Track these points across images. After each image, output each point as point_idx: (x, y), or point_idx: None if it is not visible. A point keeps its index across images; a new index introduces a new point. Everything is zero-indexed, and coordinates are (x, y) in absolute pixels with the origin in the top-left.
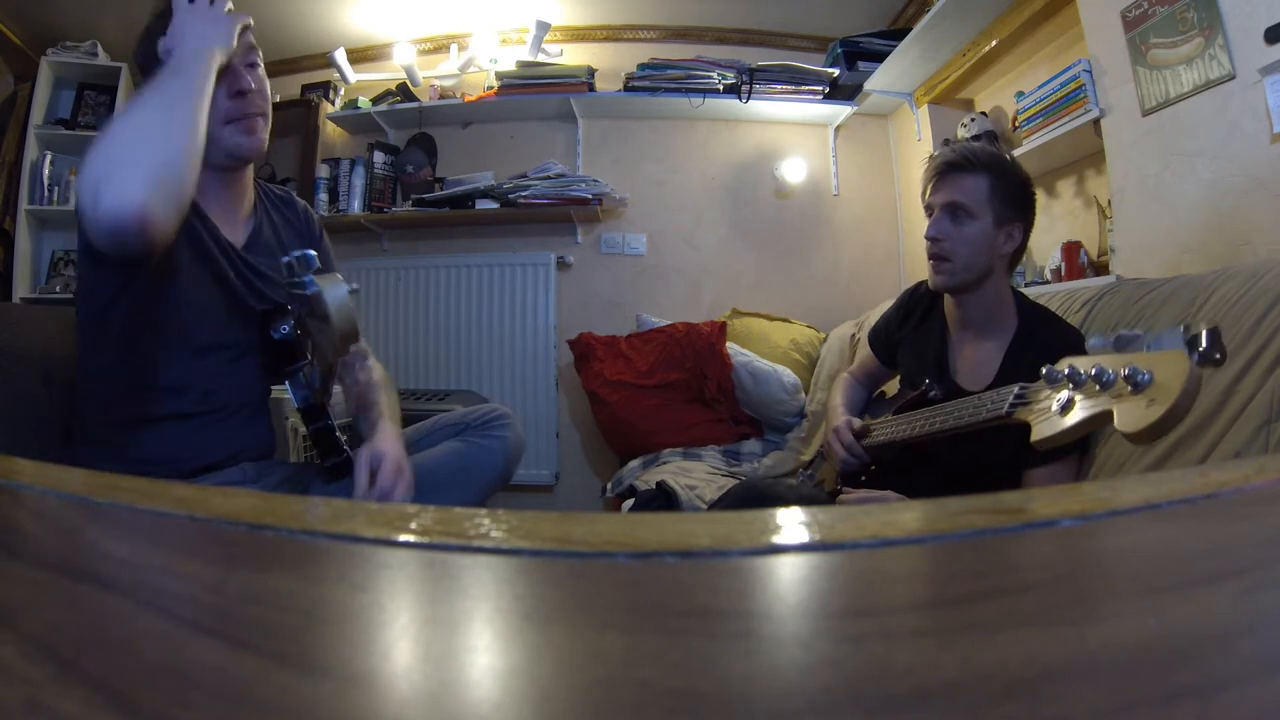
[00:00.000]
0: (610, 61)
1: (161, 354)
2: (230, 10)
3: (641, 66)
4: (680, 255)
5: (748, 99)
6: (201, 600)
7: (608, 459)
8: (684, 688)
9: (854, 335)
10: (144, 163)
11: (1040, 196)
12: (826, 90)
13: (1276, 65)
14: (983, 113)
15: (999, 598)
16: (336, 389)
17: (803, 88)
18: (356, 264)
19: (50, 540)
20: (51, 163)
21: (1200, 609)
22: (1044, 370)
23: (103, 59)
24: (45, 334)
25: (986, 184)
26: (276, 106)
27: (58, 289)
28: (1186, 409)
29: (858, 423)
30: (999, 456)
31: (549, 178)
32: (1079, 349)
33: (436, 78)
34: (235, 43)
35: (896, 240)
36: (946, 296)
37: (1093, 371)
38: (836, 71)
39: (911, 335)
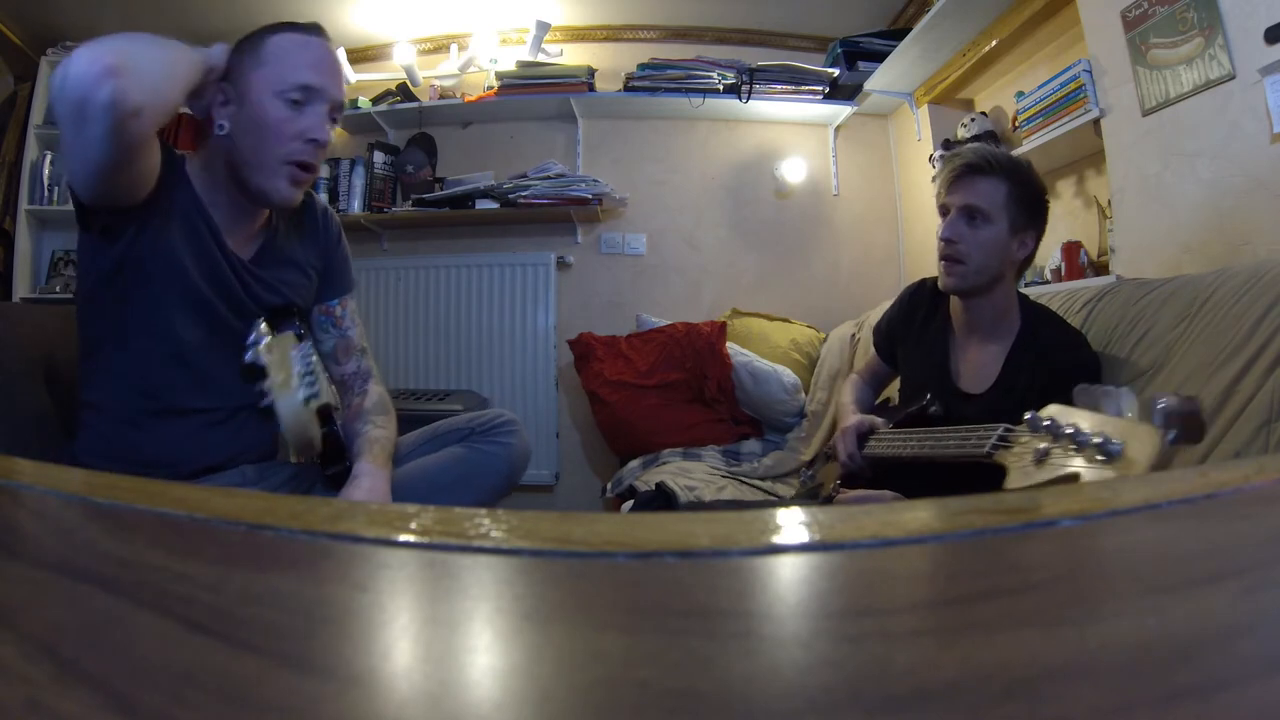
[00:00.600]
0: (610, 61)
1: (160, 356)
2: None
3: (641, 66)
4: (680, 255)
5: (748, 99)
6: (201, 600)
7: (608, 459)
8: (684, 688)
9: (854, 335)
10: (120, 47)
11: None
12: (826, 90)
13: (1276, 65)
14: (983, 113)
15: (999, 598)
16: None
17: (803, 88)
18: (357, 264)
19: (50, 540)
20: (51, 163)
21: (1200, 609)
22: (1027, 416)
23: None
24: (47, 333)
25: (1005, 189)
26: None
27: (58, 289)
28: None
29: (868, 422)
30: None
31: (549, 178)
32: (1079, 351)
33: (436, 78)
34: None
35: (896, 240)
36: (953, 298)
37: (1069, 430)
38: (836, 71)
39: (915, 335)
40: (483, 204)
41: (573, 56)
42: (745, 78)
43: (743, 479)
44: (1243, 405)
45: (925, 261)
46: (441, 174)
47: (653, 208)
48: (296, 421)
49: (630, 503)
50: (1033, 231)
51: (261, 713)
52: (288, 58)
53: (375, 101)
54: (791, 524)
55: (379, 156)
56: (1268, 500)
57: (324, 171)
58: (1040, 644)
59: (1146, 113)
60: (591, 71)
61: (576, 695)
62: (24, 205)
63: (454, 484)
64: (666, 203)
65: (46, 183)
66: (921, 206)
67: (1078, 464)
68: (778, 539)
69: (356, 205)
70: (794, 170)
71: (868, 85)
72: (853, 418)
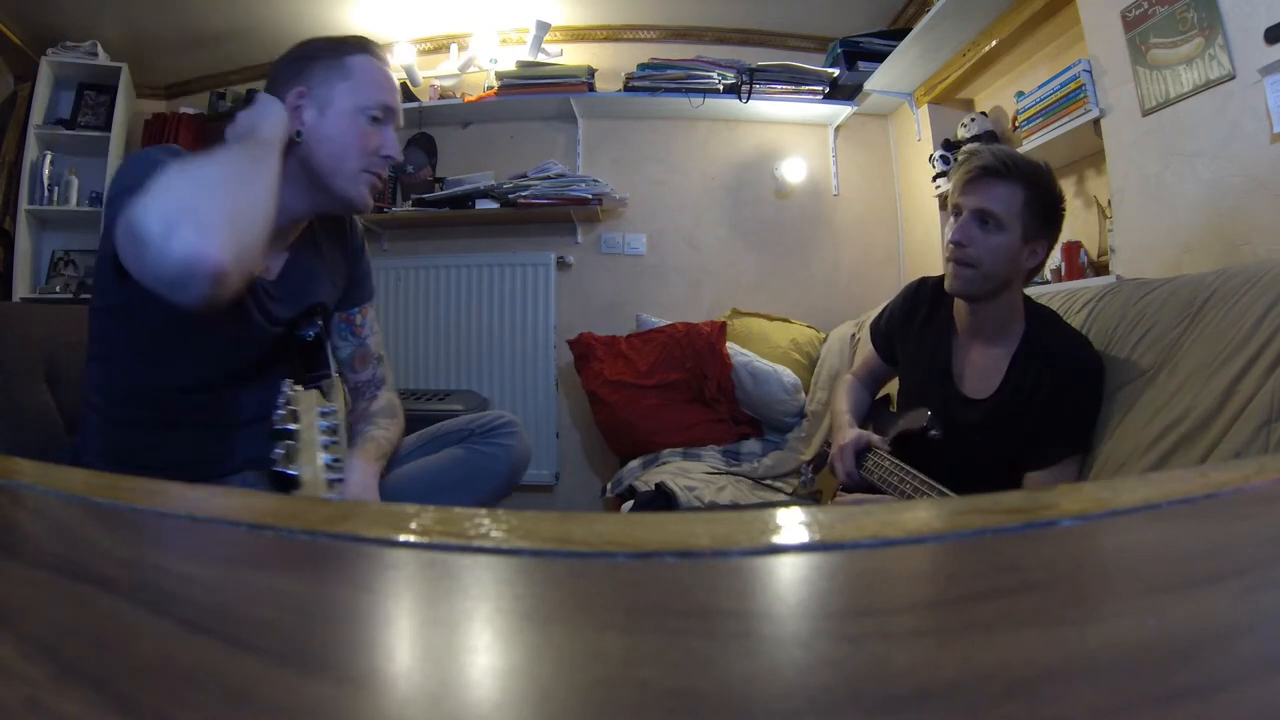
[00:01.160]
0: (610, 61)
1: (172, 374)
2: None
3: (641, 66)
4: (680, 255)
5: (748, 99)
6: (201, 600)
7: (608, 459)
8: (684, 688)
9: (854, 335)
10: (228, 211)
11: None
12: (826, 90)
13: (1276, 65)
14: (983, 113)
15: (999, 598)
16: None
17: (803, 88)
18: None
19: (50, 540)
20: (51, 163)
21: (1200, 609)
22: None
23: (103, 59)
24: (48, 332)
25: (1022, 196)
26: None
27: (57, 289)
28: None
29: (865, 438)
30: (999, 459)
31: (549, 178)
32: (1083, 354)
33: (436, 78)
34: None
35: (896, 240)
36: (957, 300)
37: None
38: (836, 71)
39: (915, 335)
40: (483, 204)
41: (573, 56)
42: (745, 78)
43: (743, 478)
44: (1243, 405)
45: (925, 261)
46: (441, 174)
47: (653, 208)
48: (313, 488)
49: (630, 503)
50: (1045, 241)
51: (261, 713)
52: (371, 77)
53: None
54: (791, 524)
55: None
56: (1268, 500)
57: None
58: (1040, 644)
59: (1146, 113)
60: (591, 71)
61: (576, 695)
62: (24, 205)
63: (454, 485)
64: (666, 203)
65: (46, 183)
66: (921, 206)
67: None
68: (778, 539)
69: None
70: (794, 170)
71: (868, 85)
72: (850, 432)
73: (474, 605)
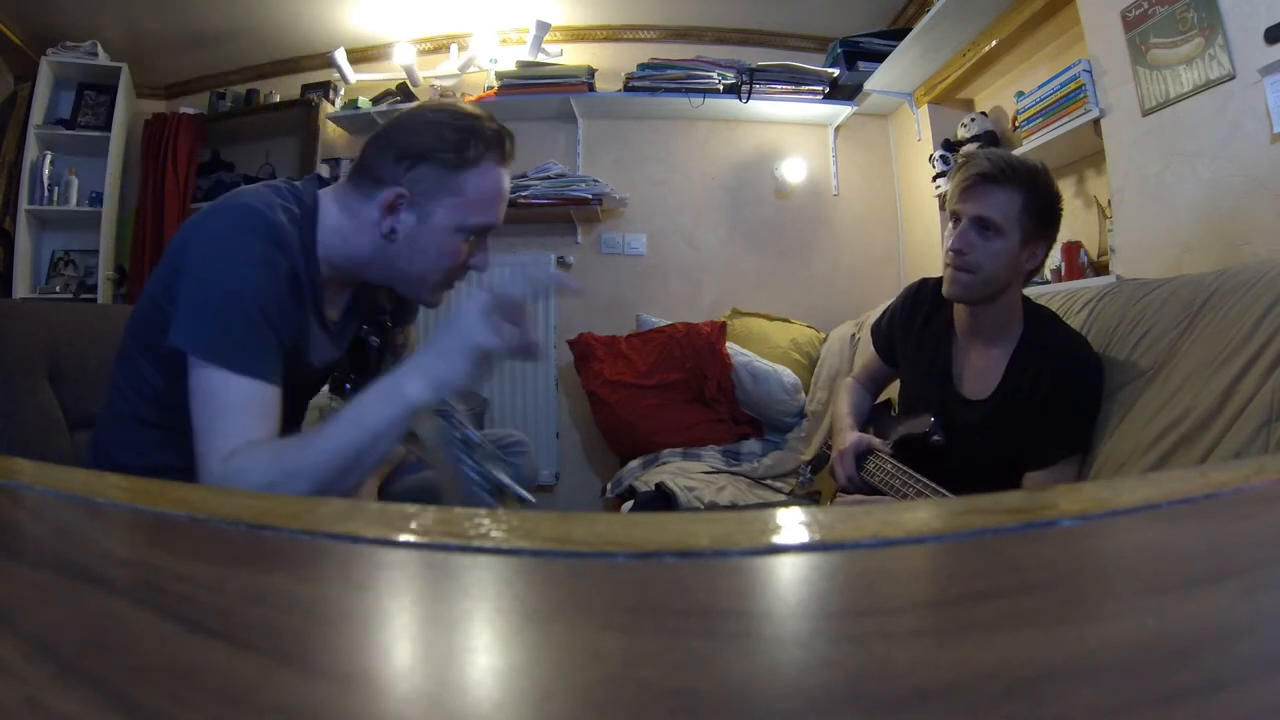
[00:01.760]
0: (610, 61)
1: None
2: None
3: (641, 66)
4: (680, 255)
5: (748, 99)
6: (201, 600)
7: (608, 459)
8: (684, 688)
9: (854, 335)
10: (314, 490)
11: None
12: (826, 90)
13: (1276, 65)
14: (983, 113)
15: (999, 598)
16: None
17: (803, 88)
18: None
19: (50, 540)
20: (51, 163)
21: (1200, 609)
22: None
23: (103, 59)
24: (50, 331)
25: (1020, 201)
26: (275, 107)
27: (57, 289)
28: None
29: (865, 442)
30: (998, 460)
31: (549, 178)
32: (1082, 354)
33: (436, 78)
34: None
35: (896, 240)
36: (957, 304)
37: None
38: (836, 71)
39: (915, 336)
40: None
41: (573, 56)
42: (745, 78)
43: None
44: (1243, 405)
45: (925, 261)
46: None
47: (653, 208)
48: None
49: (630, 503)
50: (1044, 242)
51: (261, 713)
52: (484, 196)
53: (375, 102)
54: (791, 524)
55: None
56: (1268, 500)
57: (324, 171)
58: (1040, 644)
59: (1146, 113)
60: (591, 71)
61: (576, 695)
62: (24, 205)
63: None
64: (666, 203)
65: (46, 183)
66: (921, 207)
67: None
68: (778, 539)
69: None
70: (794, 170)
71: (868, 85)
72: (850, 435)
73: (474, 605)
